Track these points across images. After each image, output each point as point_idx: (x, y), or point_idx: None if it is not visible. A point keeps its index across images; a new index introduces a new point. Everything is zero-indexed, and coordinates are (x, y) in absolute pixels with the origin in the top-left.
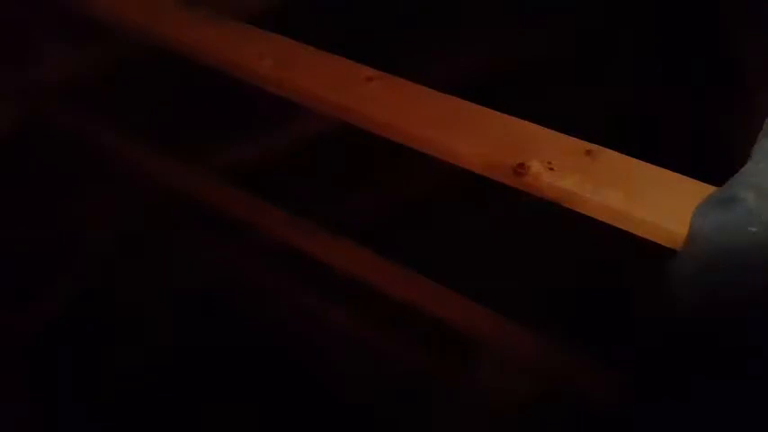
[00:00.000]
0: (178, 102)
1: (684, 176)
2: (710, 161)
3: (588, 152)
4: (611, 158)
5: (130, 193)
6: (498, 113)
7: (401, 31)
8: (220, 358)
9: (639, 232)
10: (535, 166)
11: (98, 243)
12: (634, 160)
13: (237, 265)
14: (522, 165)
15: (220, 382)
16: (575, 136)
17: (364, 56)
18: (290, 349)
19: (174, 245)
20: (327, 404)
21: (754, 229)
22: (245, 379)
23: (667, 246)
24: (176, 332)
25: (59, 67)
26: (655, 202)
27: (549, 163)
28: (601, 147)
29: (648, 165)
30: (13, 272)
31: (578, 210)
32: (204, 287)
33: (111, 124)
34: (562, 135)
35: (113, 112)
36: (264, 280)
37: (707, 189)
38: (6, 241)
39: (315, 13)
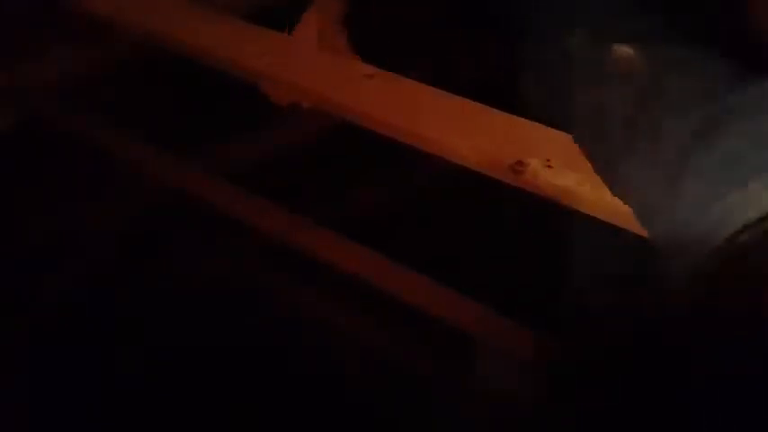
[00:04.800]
0: (178, 101)
1: None
2: None
3: None
4: None
5: (130, 193)
6: (497, 111)
7: (400, 32)
8: (220, 358)
9: (638, 230)
10: (534, 164)
11: (98, 243)
12: None
13: (237, 265)
14: (520, 162)
15: (220, 382)
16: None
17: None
18: (290, 349)
19: (174, 245)
20: (327, 404)
21: None
22: (246, 379)
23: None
24: (176, 332)
25: (59, 67)
26: None
27: (548, 160)
28: None
29: None
30: (13, 272)
31: (577, 207)
32: (204, 287)
33: (112, 124)
34: (561, 133)
35: (113, 112)
36: (264, 279)
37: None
38: (6, 241)
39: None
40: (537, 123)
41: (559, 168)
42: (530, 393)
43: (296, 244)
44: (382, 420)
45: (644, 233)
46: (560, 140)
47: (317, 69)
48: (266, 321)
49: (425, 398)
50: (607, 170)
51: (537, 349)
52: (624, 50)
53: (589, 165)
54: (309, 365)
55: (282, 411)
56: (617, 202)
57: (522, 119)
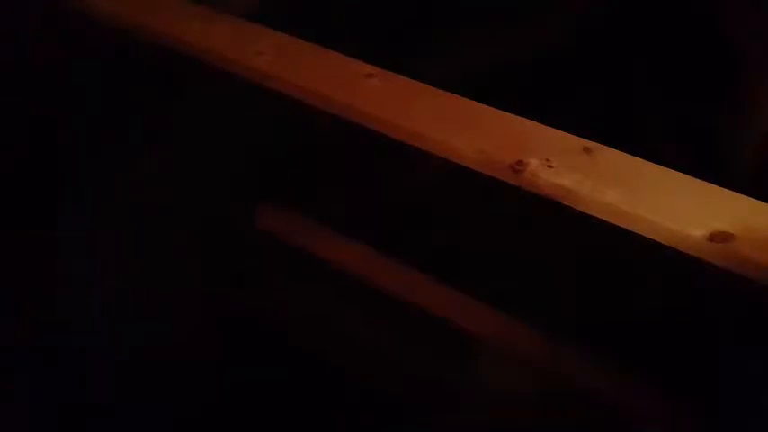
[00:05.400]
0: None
1: (683, 174)
2: (709, 160)
3: (586, 150)
4: (610, 156)
5: None
6: (497, 111)
7: (401, 31)
8: (221, 359)
9: (638, 230)
10: (533, 164)
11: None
12: (633, 158)
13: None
14: (520, 162)
15: (220, 383)
16: (574, 134)
17: (364, 54)
18: (290, 350)
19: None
20: (327, 404)
21: None
22: (245, 379)
23: (666, 243)
24: (177, 332)
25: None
26: (653, 200)
27: (548, 160)
28: (599, 144)
29: (647, 162)
30: (13, 272)
31: (577, 207)
32: (206, 288)
33: None
34: (560, 132)
35: None
36: (264, 279)
37: (705, 187)
38: (7, 241)
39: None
40: (537, 123)
41: (559, 168)
42: (530, 393)
43: (295, 244)
44: (383, 420)
45: (647, 234)
46: (560, 140)
47: (317, 69)
48: (267, 321)
49: (426, 397)
50: None
51: (538, 349)
52: None
53: (589, 164)
54: (309, 366)
55: (282, 411)
56: (617, 202)
57: (522, 119)
